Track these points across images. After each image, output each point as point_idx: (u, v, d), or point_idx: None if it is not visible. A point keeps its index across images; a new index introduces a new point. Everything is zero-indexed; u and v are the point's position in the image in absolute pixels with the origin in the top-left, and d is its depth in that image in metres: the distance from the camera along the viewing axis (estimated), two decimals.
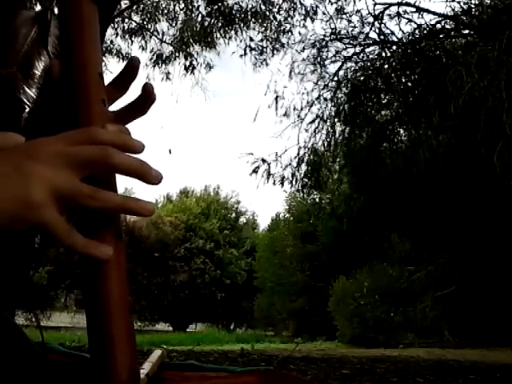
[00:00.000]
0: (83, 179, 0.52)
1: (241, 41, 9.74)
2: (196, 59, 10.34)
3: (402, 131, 9.43)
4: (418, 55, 8.26)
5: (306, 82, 9.53)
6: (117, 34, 10.01)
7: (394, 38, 8.77)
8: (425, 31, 8.47)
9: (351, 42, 9.12)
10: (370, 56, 9.21)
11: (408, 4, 8.44)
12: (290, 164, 9.39)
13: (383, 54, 9.01)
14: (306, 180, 9.50)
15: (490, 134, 6.25)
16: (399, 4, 8.41)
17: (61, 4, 0.62)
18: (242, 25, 9.55)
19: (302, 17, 9.37)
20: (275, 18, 9.62)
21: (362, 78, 9.12)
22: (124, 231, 0.57)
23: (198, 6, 9.75)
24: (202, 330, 24.82)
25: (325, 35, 9.20)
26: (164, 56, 10.33)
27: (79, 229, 0.53)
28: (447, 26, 8.66)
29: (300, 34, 9.49)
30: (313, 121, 9.41)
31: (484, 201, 7.44)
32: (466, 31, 8.64)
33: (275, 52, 9.86)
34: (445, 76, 6.93)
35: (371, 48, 9.14)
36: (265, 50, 9.86)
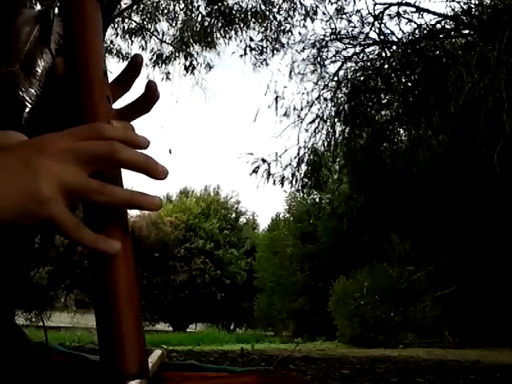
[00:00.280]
0: (90, 175, 0.52)
1: (241, 41, 9.74)
2: (196, 59, 10.35)
3: (402, 131, 9.42)
4: (417, 55, 8.25)
5: (306, 82, 9.54)
6: (117, 34, 10.02)
7: (394, 38, 8.77)
8: (425, 31, 8.47)
9: (351, 41, 9.12)
10: (370, 56, 9.21)
11: (408, 4, 8.45)
12: (290, 164, 9.39)
13: (383, 54, 9.01)
14: (306, 180, 9.49)
15: (490, 134, 6.24)
16: (399, 4, 8.41)
17: (64, 1, 0.62)
18: (241, 25, 9.54)
19: (302, 17, 9.36)
20: (275, 18, 9.62)
21: (362, 78, 9.11)
22: None
23: (198, 6, 9.75)
24: (202, 330, 24.83)
25: (325, 35, 9.20)
26: (164, 56, 10.32)
27: (87, 224, 0.53)
28: (447, 26, 8.66)
29: (300, 34, 9.49)
30: (313, 121, 9.41)
31: (484, 201, 7.44)
32: (466, 31, 8.64)
33: (275, 52, 9.86)
34: (445, 76, 6.92)
35: (371, 48, 9.15)
36: (265, 49, 9.85)
